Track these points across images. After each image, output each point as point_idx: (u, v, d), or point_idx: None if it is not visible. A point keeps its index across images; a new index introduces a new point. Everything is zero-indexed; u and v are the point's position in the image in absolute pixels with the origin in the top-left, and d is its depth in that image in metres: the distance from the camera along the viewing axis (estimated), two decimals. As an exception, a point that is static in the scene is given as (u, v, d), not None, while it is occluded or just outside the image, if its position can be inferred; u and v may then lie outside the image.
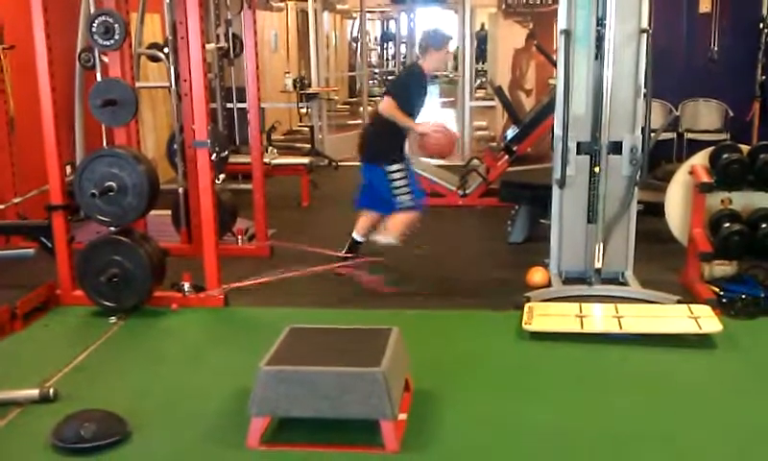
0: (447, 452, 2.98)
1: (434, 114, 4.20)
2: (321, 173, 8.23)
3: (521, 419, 3.23)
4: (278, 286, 4.76)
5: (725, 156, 4.72)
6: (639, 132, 4.66)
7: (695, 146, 6.54)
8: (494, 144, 8.88)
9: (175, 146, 5.67)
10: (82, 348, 3.98)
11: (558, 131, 4.66)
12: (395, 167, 4.85)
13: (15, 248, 5.28)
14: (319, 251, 5.22)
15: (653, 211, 5.39)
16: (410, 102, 4.83)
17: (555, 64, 6.24)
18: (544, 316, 4.19)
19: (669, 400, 3.40)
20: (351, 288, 4.82)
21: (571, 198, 4.80)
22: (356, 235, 5.15)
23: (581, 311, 4.22)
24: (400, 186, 4.87)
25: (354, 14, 14.90)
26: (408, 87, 4.89)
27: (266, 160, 6.86)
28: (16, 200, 5.59)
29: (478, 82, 12.95)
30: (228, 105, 7.81)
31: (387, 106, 4.79)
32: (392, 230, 4.95)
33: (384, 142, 4.89)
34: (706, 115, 7.95)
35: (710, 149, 4.90)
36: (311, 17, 9.87)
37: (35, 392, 3.36)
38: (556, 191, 4.81)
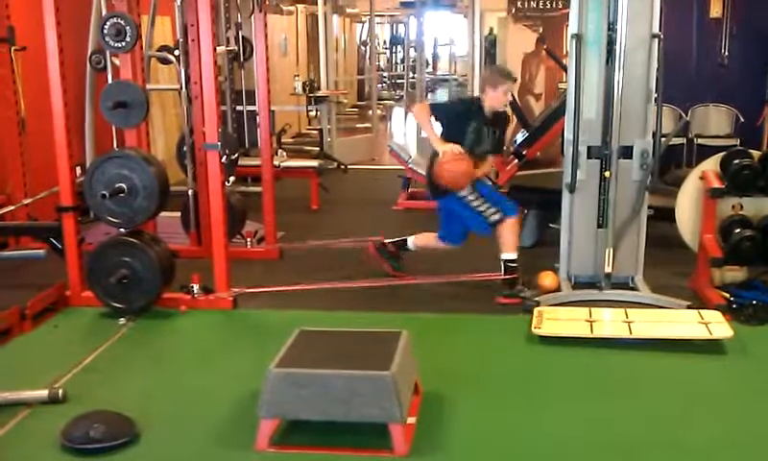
0: (456, 456, 2.97)
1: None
2: (330, 176, 8.22)
3: (530, 423, 3.22)
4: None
5: (736, 161, 4.70)
6: (650, 136, 4.65)
7: (705, 151, 6.52)
8: (504, 148, 8.86)
9: (185, 148, 5.68)
10: (91, 349, 3.99)
11: (568, 135, 4.66)
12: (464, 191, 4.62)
13: (26, 249, 5.31)
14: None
15: (663, 216, 5.36)
16: (454, 130, 4.61)
17: (565, 69, 6.23)
18: (554, 320, 4.18)
19: (679, 406, 3.38)
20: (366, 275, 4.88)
21: (581, 202, 4.78)
22: (506, 255, 4.72)
23: (590, 316, 4.21)
24: (480, 204, 4.61)
25: (364, 18, 14.93)
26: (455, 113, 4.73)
27: (275, 163, 6.86)
28: (27, 201, 5.61)
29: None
30: (238, 107, 7.82)
31: (417, 110, 4.86)
32: (422, 239, 5.03)
33: None
34: (716, 120, 7.91)
35: (721, 154, 4.87)
36: (321, 21, 9.90)
37: (44, 393, 3.37)
38: (566, 195, 4.79)
